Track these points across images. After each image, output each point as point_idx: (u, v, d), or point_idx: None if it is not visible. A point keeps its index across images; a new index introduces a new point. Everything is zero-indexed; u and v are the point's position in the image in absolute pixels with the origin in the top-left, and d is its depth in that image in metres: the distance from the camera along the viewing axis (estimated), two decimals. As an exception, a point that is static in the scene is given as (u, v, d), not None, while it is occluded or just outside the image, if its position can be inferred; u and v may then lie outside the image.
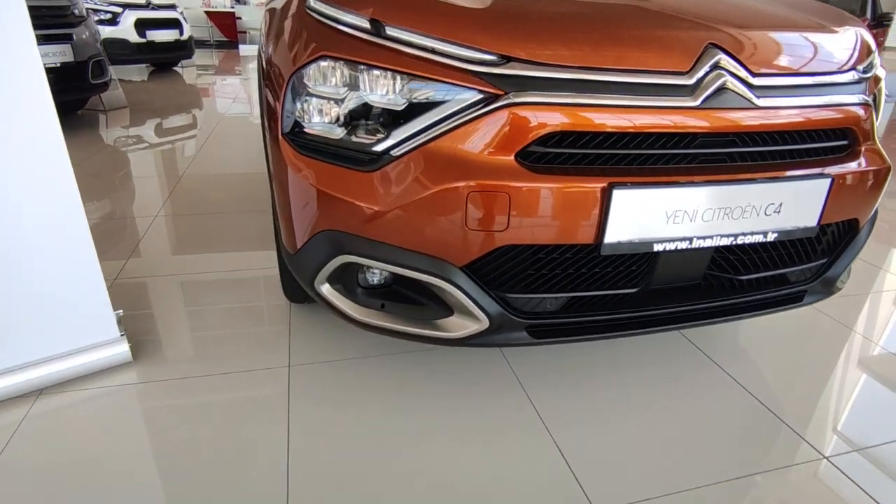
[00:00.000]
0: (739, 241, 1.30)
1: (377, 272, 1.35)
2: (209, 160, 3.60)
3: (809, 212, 1.35)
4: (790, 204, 1.31)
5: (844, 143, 1.42)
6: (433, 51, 1.16)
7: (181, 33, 6.80)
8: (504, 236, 1.18)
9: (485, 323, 1.27)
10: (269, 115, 1.39)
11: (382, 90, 1.19)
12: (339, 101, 1.22)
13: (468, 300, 1.24)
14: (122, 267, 2.21)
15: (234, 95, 5.93)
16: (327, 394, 1.56)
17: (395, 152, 1.18)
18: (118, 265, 2.21)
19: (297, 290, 1.86)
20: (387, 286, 1.37)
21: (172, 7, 6.93)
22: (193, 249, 2.38)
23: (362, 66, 1.18)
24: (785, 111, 1.29)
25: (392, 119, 1.21)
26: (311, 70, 1.23)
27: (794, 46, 1.36)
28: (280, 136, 1.29)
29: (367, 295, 1.36)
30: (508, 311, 1.28)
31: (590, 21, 1.24)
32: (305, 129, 1.26)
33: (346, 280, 1.34)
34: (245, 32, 10.49)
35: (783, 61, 1.31)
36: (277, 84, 1.32)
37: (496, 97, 1.13)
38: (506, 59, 1.14)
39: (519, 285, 1.28)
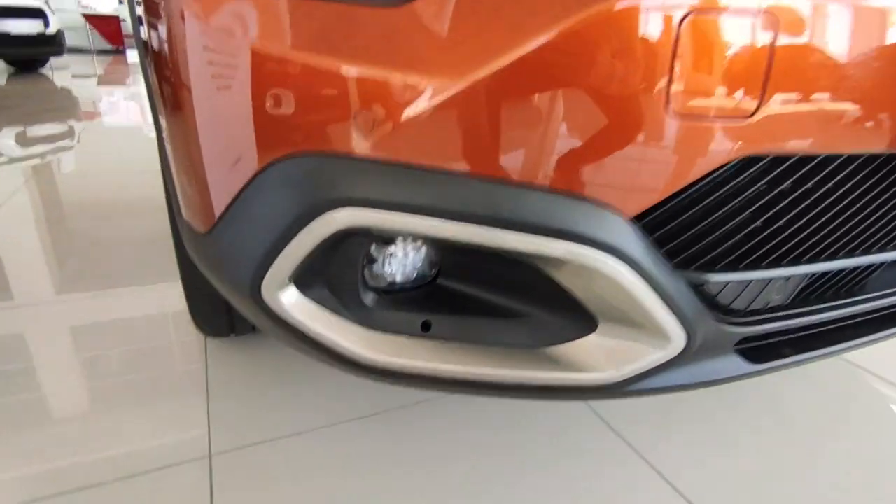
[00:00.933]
0: None
1: (409, 252, 0.60)
2: (91, 180, 2.62)
3: None
4: None
5: None
6: None
7: (46, 25, 5.58)
8: (749, 133, 0.48)
9: (677, 341, 0.56)
10: None
11: None
12: None
13: (646, 291, 0.53)
14: None
15: (121, 105, 4.84)
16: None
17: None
18: None
19: (215, 311, 1.06)
20: (427, 283, 0.62)
21: (34, -7, 5.70)
22: (82, 285, 1.48)
23: None
24: None
25: None
26: None
27: None
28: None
29: (386, 305, 0.60)
30: (714, 311, 0.58)
31: None
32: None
33: (340, 275, 0.58)
34: (132, 37, 9.20)
35: None
36: None
37: None
38: None
39: (730, 257, 0.58)
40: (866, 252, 0.65)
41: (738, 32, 0.45)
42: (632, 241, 0.50)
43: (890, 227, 0.65)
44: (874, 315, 0.76)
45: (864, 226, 0.63)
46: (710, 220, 0.55)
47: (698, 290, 0.57)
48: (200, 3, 0.53)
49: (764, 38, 0.45)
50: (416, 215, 0.50)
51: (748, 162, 0.52)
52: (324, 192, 0.51)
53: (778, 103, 0.47)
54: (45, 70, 6.56)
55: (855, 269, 0.68)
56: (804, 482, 0.85)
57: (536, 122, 0.46)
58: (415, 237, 0.55)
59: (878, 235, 0.65)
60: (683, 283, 0.55)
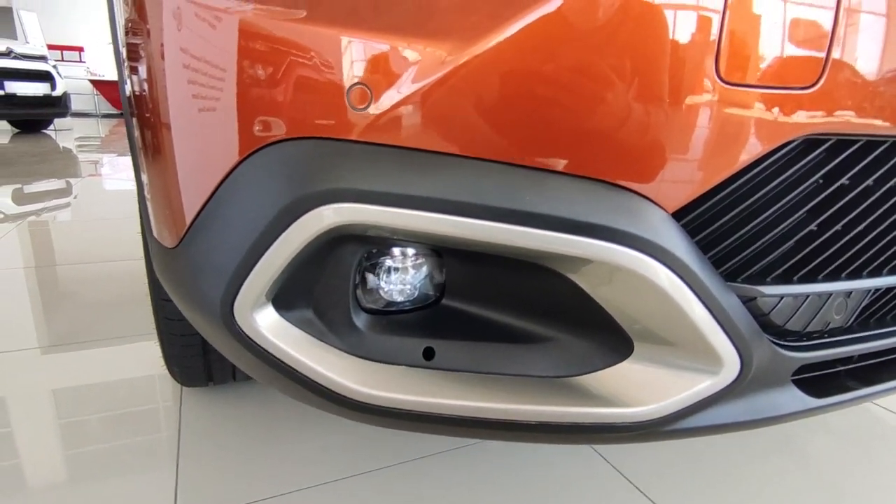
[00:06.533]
0: None
1: (408, 265, 0.52)
2: (84, 237, 2.56)
3: None
4: None
5: None
6: None
7: (53, 88, 5.70)
8: (810, 108, 0.41)
9: (730, 366, 0.46)
10: None
11: None
12: None
13: (694, 303, 0.44)
14: None
15: (121, 165, 4.87)
16: None
17: None
18: None
19: (190, 357, 0.95)
20: (430, 303, 0.53)
21: (43, 59, 5.84)
22: (62, 345, 1.38)
23: None
24: None
25: None
26: None
27: None
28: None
29: (382, 330, 0.51)
30: (768, 331, 0.49)
31: None
32: None
33: (324, 297, 0.49)
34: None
35: None
36: None
37: None
38: None
39: (784, 267, 0.50)
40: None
41: (792, -9, 0.38)
42: (677, 240, 0.42)
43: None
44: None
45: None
46: (760, 220, 0.47)
47: (749, 305, 0.48)
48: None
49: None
50: (420, 211, 0.41)
51: (804, 149, 0.44)
52: (308, 184, 0.43)
53: (844, 71, 0.40)
54: (49, 131, 6.66)
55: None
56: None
57: (562, 95, 0.39)
58: (417, 240, 0.46)
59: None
60: (734, 297, 0.46)
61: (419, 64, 0.40)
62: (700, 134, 0.40)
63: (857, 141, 0.45)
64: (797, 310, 0.51)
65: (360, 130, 0.42)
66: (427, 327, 0.51)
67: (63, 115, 6.08)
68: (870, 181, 0.48)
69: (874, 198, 0.49)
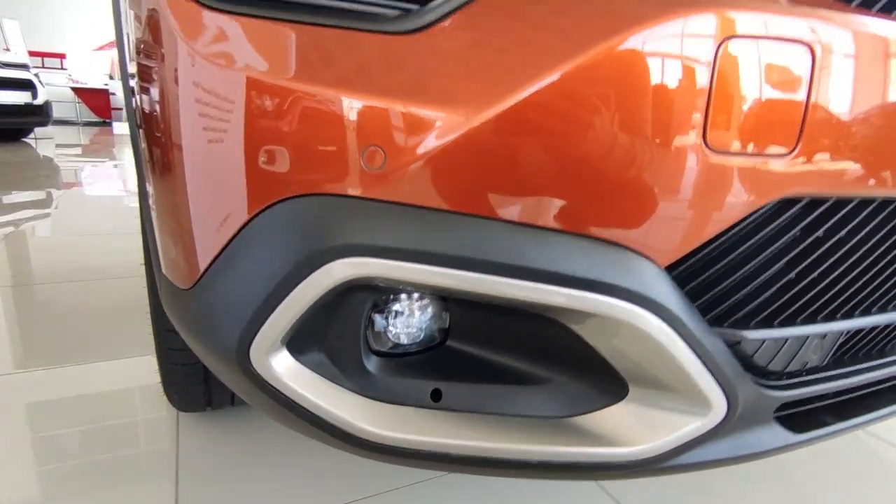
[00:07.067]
0: None
1: (415, 309, 0.54)
2: (64, 249, 2.54)
3: None
4: None
5: None
6: None
7: (34, 96, 5.62)
8: (787, 170, 0.45)
9: (718, 407, 0.50)
10: None
11: None
12: None
13: (684, 350, 0.47)
14: None
15: (102, 175, 4.82)
16: None
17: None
18: None
19: (191, 383, 0.97)
20: (435, 345, 0.56)
21: (24, 67, 5.76)
22: (43, 358, 1.37)
23: None
24: None
25: None
26: None
27: None
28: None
29: (391, 372, 0.53)
30: (752, 373, 0.53)
31: None
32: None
33: (339, 339, 0.52)
34: (121, 109, 9.32)
35: None
36: None
37: None
38: None
39: (766, 312, 0.53)
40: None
41: (775, 61, 0.42)
42: (668, 292, 0.46)
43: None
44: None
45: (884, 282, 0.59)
46: (743, 270, 0.50)
47: (734, 349, 0.52)
48: (195, 33, 0.50)
49: (803, 67, 0.43)
50: (429, 265, 0.44)
51: (783, 206, 0.48)
52: (324, 239, 0.45)
53: (817, 139, 0.44)
54: (29, 139, 6.56)
55: None
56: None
57: (564, 161, 0.42)
58: (425, 290, 0.49)
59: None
60: (720, 342, 0.50)
61: (429, 129, 0.43)
62: (690, 198, 0.44)
63: (828, 199, 0.49)
64: (778, 351, 0.55)
65: (373, 189, 0.44)
66: (434, 369, 0.54)
67: (44, 123, 6.00)
68: (842, 233, 0.52)
69: (845, 248, 0.53)
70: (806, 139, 0.44)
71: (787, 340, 0.55)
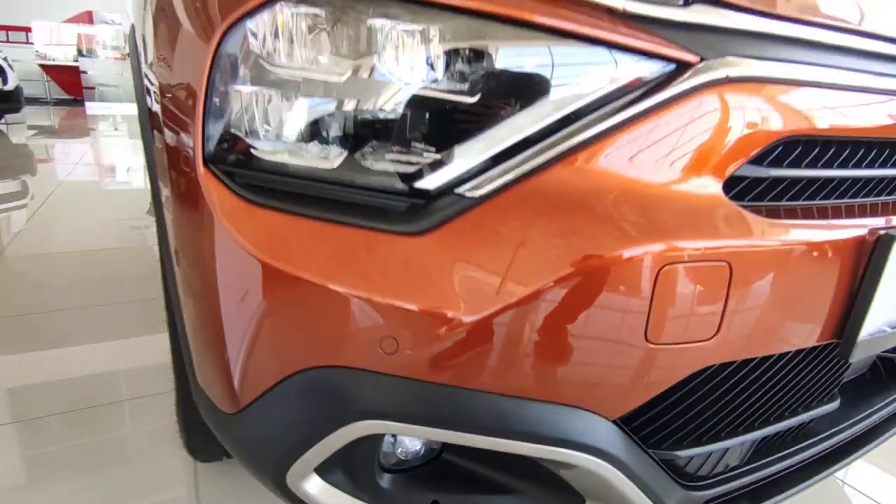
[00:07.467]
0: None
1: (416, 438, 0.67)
2: (42, 239, 2.60)
3: None
4: None
5: None
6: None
7: (4, 82, 5.48)
8: (709, 350, 0.58)
9: (653, 516, 0.64)
10: (168, 120, 0.68)
11: (426, 63, 0.56)
12: (333, 92, 0.57)
13: (624, 482, 0.61)
14: None
15: (77, 159, 4.78)
16: None
17: (471, 191, 0.55)
18: None
19: (208, 442, 1.09)
20: (433, 457, 0.69)
21: (-8, 51, 5.62)
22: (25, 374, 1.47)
23: (379, 12, 0.55)
24: None
25: (452, 124, 0.58)
26: (264, 22, 0.56)
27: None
28: (199, 168, 0.60)
29: (399, 485, 0.67)
30: (682, 483, 0.68)
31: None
32: (257, 153, 0.59)
33: (358, 462, 0.64)
34: (93, 88, 9.05)
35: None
36: (185, 63, 0.63)
37: (680, 69, 0.55)
38: (688, -2, 0.58)
39: (695, 434, 0.68)
40: (806, 410, 0.77)
41: (700, 280, 0.55)
42: (614, 441, 0.60)
43: (818, 393, 0.77)
44: (824, 452, 0.86)
45: (800, 394, 0.74)
46: (678, 410, 0.64)
47: (669, 464, 0.66)
48: (236, 221, 0.60)
49: (720, 283, 0.56)
50: (431, 427, 0.57)
51: (706, 369, 0.62)
52: (350, 404, 0.58)
53: (731, 328, 0.57)
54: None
55: (800, 424, 0.79)
56: None
57: (539, 352, 0.55)
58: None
59: (812, 399, 0.77)
60: (656, 463, 0.64)
61: (434, 325, 0.54)
62: (637, 375, 0.57)
63: (735, 362, 0.63)
64: (705, 461, 0.70)
65: (387, 367, 0.56)
66: (433, 481, 0.67)
67: (16, 110, 5.88)
68: (746, 382, 0.67)
69: (755, 388, 0.67)
70: (723, 329, 0.58)
71: (711, 453, 0.69)
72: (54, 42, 9.23)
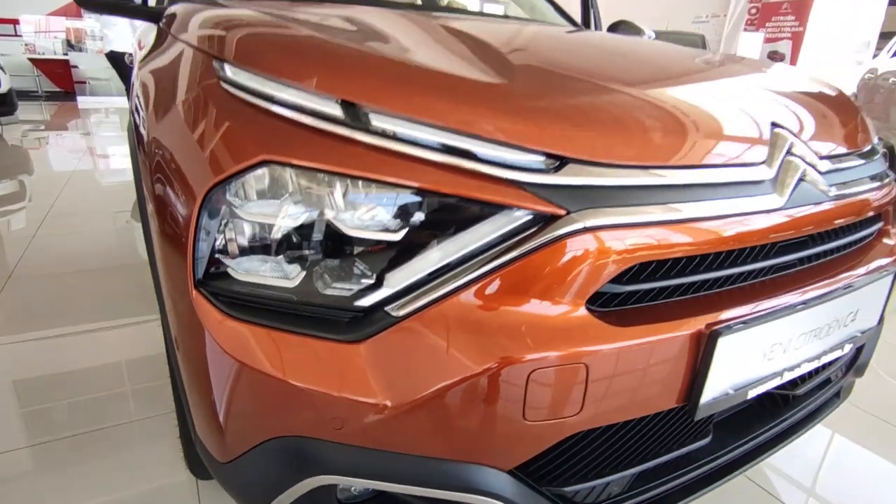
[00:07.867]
0: (822, 360, 1.04)
1: (366, 479, 0.88)
2: (47, 247, 2.77)
3: (873, 311, 1.14)
4: (864, 307, 1.09)
5: (879, 225, 1.24)
6: (447, 150, 0.75)
7: (-3, 85, 5.59)
8: (576, 421, 0.78)
9: (542, 541, 0.85)
10: (166, 247, 0.87)
11: (365, 211, 0.75)
12: (294, 232, 0.76)
13: (519, 517, 0.82)
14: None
15: (77, 157, 4.92)
16: None
17: (395, 310, 0.74)
18: None
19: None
20: (378, 494, 0.90)
21: (-16, 53, 5.69)
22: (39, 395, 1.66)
23: (330, 177, 0.74)
24: (848, 198, 1.06)
25: (383, 256, 0.77)
26: (246, 183, 0.76)
27: (829, 119, 1.16)
28: (191, 288, 0.79)
29: (351, 518, 0.87)
30: (570, 509, 0.88)
31: (631, 108, 0.91)
32: (235, 276, 0.78)
33: (320, 502, 0.85)
34: (84, 83, 9.10)
35: (834, 138, 1.10)
36: (181, 202, 0.82)
37: (551, 219, 0.74)
38: (559, 161, 0.77)
39: (580, 473, 0.88)
40: (680, 447, 0.97)
41: (562, 377, 0.75)
42: (507, 486, 0.80)
43: (689, 434, 0.98)
44: (703, 475, 1.07)
45: (670, 438, 0.95)
46: (563, 458, 0.85)
47: (557, 497, 0.87)
48: (219, 331, 0.79)
49: (580, 378, 0.76)
50: (379, 480, 0.77)
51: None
52: (309, 462, 0.78)
53: (593, 405, 0.77)
54: (-7, 124, 6.52)
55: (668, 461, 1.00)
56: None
57: (456, 424, 0.75)
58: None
59: (684, 438, 0.98)
60: (547, 498, 0.85)
61: (368, 410, 0.74)
62: (519, 441, 0.77)
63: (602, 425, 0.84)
64: (590, 492, 0.91)
65: (336, 437, 0.76)
66: (379, 512, 0.88)
67: (10, 113, 5.97)
68: (621, 432, 0.87)
69: (628, 437, 0.88)
70: (586, 407, 0.78)
71: (593, 487, 0.90)
72: (42, 30, 9.23)
